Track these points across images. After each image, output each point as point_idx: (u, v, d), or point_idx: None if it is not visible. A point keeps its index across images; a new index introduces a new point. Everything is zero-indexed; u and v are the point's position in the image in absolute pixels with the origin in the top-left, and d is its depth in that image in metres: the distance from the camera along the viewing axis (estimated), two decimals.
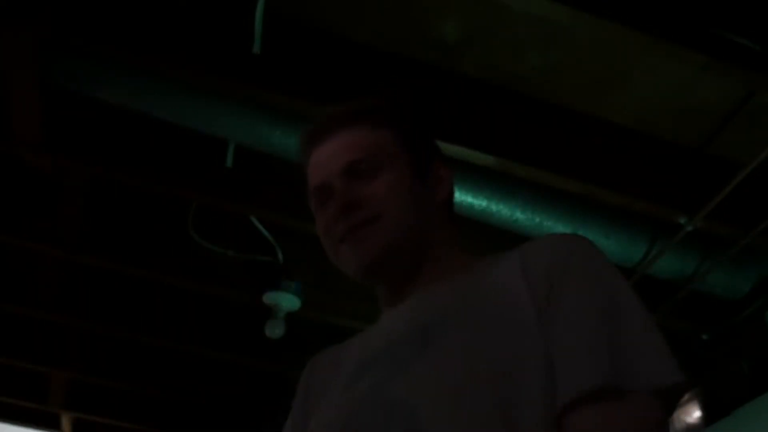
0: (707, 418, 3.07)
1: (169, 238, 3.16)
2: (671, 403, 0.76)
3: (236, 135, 2.49)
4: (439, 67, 2.43)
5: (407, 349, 0.83)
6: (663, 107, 2.51)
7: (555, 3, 1.95)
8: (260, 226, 3.01)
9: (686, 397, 3.21)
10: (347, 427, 0.80)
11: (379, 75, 2.40)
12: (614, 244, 2.66)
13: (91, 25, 2.20)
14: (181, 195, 2.89)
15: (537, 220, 2.58)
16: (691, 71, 2.30)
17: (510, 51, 2.36)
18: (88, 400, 4.58)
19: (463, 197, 2.46)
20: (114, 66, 2.31)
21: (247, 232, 3.04)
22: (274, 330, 3.07)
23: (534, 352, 0.76)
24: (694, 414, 3.17)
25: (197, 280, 3.23)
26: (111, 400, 4.54)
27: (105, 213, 3.18)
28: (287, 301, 3.05)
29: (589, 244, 0.84)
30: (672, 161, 2.61)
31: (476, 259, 0.95)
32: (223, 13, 2.29)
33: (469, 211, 2.50)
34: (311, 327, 3.45)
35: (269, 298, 3.06)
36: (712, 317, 3.08)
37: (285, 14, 2.31)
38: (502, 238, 2.64)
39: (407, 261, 0.93)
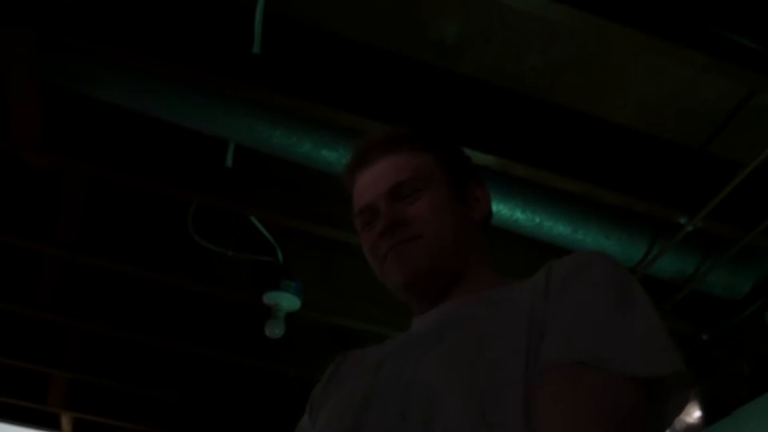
0: (707, 418, 3.07)
1: (169, 238, 3.16)
2: (661, 394, 0.76)
3: (236, 135, 2.48)
4: (439, 67, 2.43)
5: (426, 343, 0.88)
6: (663, 107, 2.51)
7: (555, 3, 1.95)
8: (260, 226, 3.01)
9: None
10: (362, 411, 0.84)
11: (379, 75, 2.40)
12: (614, 244, 2.66)
13: (91, 25, 2.20)
14: (181, 195, 2.89)
15: (537, 220, 2.58)
16: (691, 71, 2.30)
17: (510, 51, 2.36)
18: (88, 400, 4.58)
19: None
20: (113, 66, 2.31)
21: (247, 232, 3.04)
22: (274, 330, 3.07)
23: (530, 337, 0.80)
24: (694, 414, 3.17)
25: (197, 280, 3.23)
26: (111, 400, 4.54)
27: (105, 213, 3.18)
28: (287, 301, 3.05)
29: (613, 259, 0.87)
30: (672, 161, 2.61)
31: (510, 281, 1.00)
32: (223, 13, 2.29)
33: None
34: (311, 327, 3.45)
35: (269, 298, 3.06)
36: (712, 317, 3.07)
37: (285, 14, 2.31)
38: (502, 238, 2.64)
39: (445, 278, 0.99)
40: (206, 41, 2.28)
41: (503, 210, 2.54)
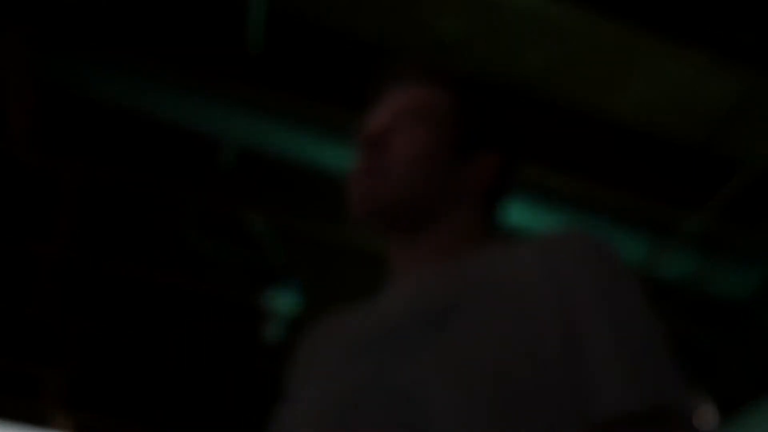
0: (709, 419, 3.07)
1: (169, 238, 3.16)
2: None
3: (236, 135, 2.48)
4: (439, 67, 2.43)
5: (415, 333, 0.79)
6: (663, 107, 2.51)
7: (555, 3, 1.95)
8: (260, 227, 3.01)
9: None
10: (343, 413, 0.75)
11: (379, 75, 2.40)
12: (614, 244, 2.65)
13: (90, 25, 2.20)
14: (181, 195, 2.89)
15: (537, 220, 2.58)
16: (691, 71, 2.29)
17: (510, 51, 2.36)
18: (88, 400, 4.58)
19: None
20: (113, 66, 2.31)
21: (247, 232, 3.04)
22: (273, 332, 3.07)
23: (551, 357, 0.73)
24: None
25: (197, 280, 3.23)
26: (111, 400, 4.53)
27: (103, 213, 3.18)
28: (287, 301, 3.05)
29: (609, 248, 0.83)
30: (672, 161, 2.60)
31: (496, 241, 0.93)
32: (223, 13, 2.29)
33: None
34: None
35: (269, 298, 3.05)
36: (712, 318, 3.07)
37: (285, 14, 2.30)
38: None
39: (402, 219, 0.90)
40: (206, 41, 2.28)
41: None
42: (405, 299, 0.86)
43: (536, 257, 0.81)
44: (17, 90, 2.36)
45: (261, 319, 3.10)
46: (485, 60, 2.40)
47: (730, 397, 2.97)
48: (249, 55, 2.23)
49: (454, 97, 0.97)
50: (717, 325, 3.06)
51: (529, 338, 0.74)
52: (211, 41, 2.29)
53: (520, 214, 2.56)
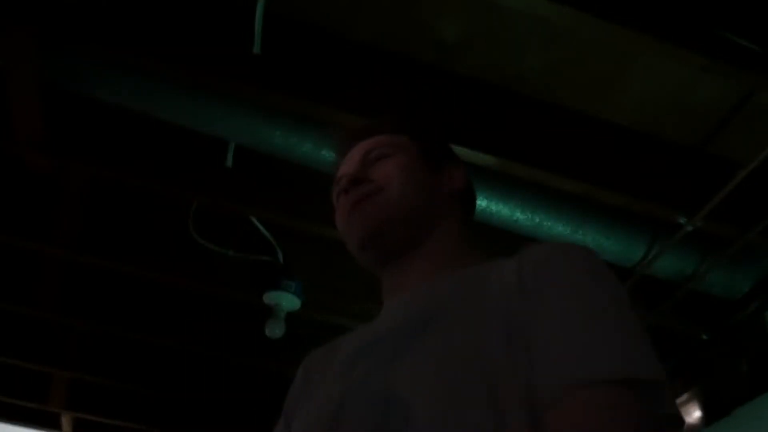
0: (707, 418, 3.07)
1: (169, 238, 3.16)
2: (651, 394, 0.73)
3: (236, 135, 2.49)
4: (439, 67, 2.44)
5: (403, 338, 0.84)
6: (663, 107, 2.51)
7: (555, 3, 1.96)
8: (260, 226, 3.01)
9: (686, 396, 3.21)
10: (335, 420, 0.80)
11: (379, 75, 2.40)
12: (614, 244, 2.66)
13: (91, 25, 2.21)
14: (181, 195, 2.89)
15: (537, 220, 2.58)
16: (691, 71, 2.30)
17: (510, 51, 2.36)
18: (88, 400, 4.58)
19: None
20: (114, 66, 2.31)
21: (247, 232, 3.04)
22: (274, 330, 3.07)
23: (519, 352, 0.76)
24: (694, 414, 3.17)
25: (197, 280, 3.23)
26: (111, 400, 4.54)
27: (105, 213, 3.18)
28: (287, 301, 3.05)
29: (589, 252, 0.85)
30: (672, 161, 2.61)
31: (480, 257, 0.97)
32: (223, 13, 2.29)
33: None
34: (311, 327, 3.45)
35: (269, 298, 3.06)
36: (711, 317, 3.08)
37: (285, 14, 2.31)
38: (502, 238, 2.64)
39: (405, 236, 0.97)
40: (206, 41, 2.28)
41: (503, 210, 2.54)
42: (392, 316, 0.92)
43: (513, 267, 0.84)
44: (21, 90, 2.36)
45: (262, 319, 3.11)
46: (485, 60, 2.41)
47: (726, 396, 2.97)
48: (251, 55, 2.23)
49: (407, 132, 1.07)
50: (715, 324, 3.07)
51: (481, 343, 0.77)
52: (211, 41, 2.29)
53: (519, 215, 2.57)
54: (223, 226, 3.09)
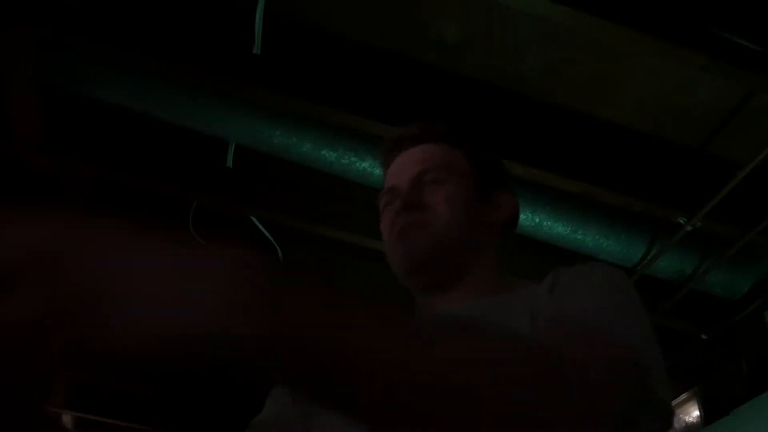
0: (706, 418, 3.07)
1: (169, 238, 3.15)
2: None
3: (236, 135, 2.49)
4: (439, 67, 2.44)
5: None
6: (663, 107, 2.51)
7: (555, 3, 1.96)
8: (260, 226, 3.01)
9: (685, 396, 3.22)
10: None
11: (379, 75, 2.40)
12: (614, 244, 2.66)
13: (91, 25, 2.20)
14: (181, 195, 2.89)
15: (537, 220, 2.58)
16: (691, 71, 2.30)
17: (510, 51, 2.36)
18: (88, 400, 4.58)
19: None
20: (114, 66, 2.31)
21: (247, 232, 3.04)
22: None
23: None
24: (694, 414, 3.17)
25: None
26: (111, 400, 4.54)
27: (105, 213, 3.18)
28: None
29: (617, 268, 0.87)
30: (672, 161, 2.61)
31: (512, 284, 1.00)
32: (223, 13, 2.29)
33: None
34: None
35: None
36: (711, 317, 3.08)
37: (285, 14, 2.31)
38: None
39: (445, 269, 0.99)
40: (206, 41, 2.28)
41: None
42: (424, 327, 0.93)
43: (545, 289, 0.86)
44: (21, 90, 2.36)
45: None
46: (485, 60, 2.41)
47: (725, 395, 2.97)
48: (251, 55, 2.23)
49: (464, 147, 1.10)
50: (714, 324, 3.07)
51: None
52: (211, 41, 2.29)
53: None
54: (223, 226, 3.08)
